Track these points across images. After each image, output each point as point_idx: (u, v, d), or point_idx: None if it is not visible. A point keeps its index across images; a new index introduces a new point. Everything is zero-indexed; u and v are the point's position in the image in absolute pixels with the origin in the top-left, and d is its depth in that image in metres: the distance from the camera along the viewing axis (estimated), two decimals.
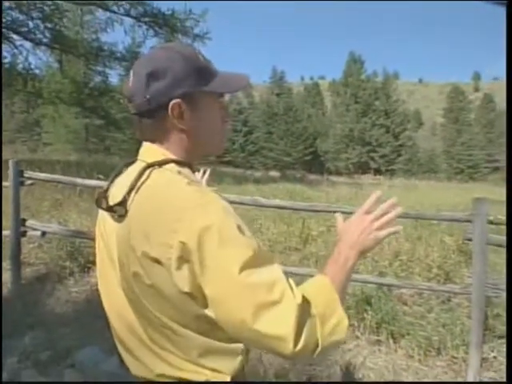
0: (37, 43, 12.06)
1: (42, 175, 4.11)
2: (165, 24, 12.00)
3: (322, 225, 5.65)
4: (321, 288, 0.79)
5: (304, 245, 5.18)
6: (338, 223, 0.93)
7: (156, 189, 0.80)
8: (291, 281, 0.76)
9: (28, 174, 3.93)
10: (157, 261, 0.74)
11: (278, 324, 0.69)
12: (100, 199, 0.86)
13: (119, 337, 0.92)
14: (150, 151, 0.87)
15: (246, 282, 0.70)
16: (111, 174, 0.92)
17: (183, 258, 0.72)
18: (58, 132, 25.54)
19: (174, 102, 0.82)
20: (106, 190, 0.87)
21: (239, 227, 0.75)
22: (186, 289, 0.73)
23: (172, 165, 0.85)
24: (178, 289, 0.74)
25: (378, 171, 41.07)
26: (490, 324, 3.09)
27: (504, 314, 3.23)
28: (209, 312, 0.75)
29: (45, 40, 12.05)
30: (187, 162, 0.89)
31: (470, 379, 2.67)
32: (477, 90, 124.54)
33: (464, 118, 56.17)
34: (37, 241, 4.48)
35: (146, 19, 12.10)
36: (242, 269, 0.70)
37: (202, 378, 0.83)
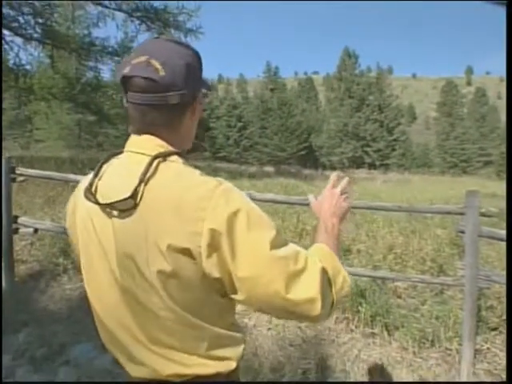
0: (28, 39, 11.89)
1: (34, 172, 4.07)
2: (157, 19, 11.88)
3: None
4: (322, 254, 0.87)
5: (299, 239, 5.18)
6: (310, 202, 1.07)
7: (169, 181, 0.79)
8: (305, 250, 0.84)
9: (20, 170, 3.89)
10: (185, 251, 0.75)
11: (308, 288, 0.77)
12: (88, 194, 0.83)
13: (113, 338, 0.89)
14: (144, 142, 0.85)
15: (276, 257, 0.75)
16: (96, 167, 0.88)
17: (213, 245, 0.74)
18: (50, 128, 25.31)
19: (200, 95, 0.89)
20: (92, 185, 0.85)
21: (259, 209, 0.80)
22: (217, 274, 0.76)
23: (176, 157, 0.85)
24: (206, 276, 0.77)
25: (372, 166, 41.21)
26: (482, 316, 3.12)
27: (497, 305, 3.27)
28: (237, 296, 0.78)
29: (36, 35, 11.89)
30: (184, 155, 0.88)
31: (464, 371, 2.70)
32: (469, 84, 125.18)
33: (457, 112, 56.44)
34: (29, 238, 4.45)
35: (138, 14, 11.97)
36: (272, 246, 0.75)
37: (211, 371, 0.84)
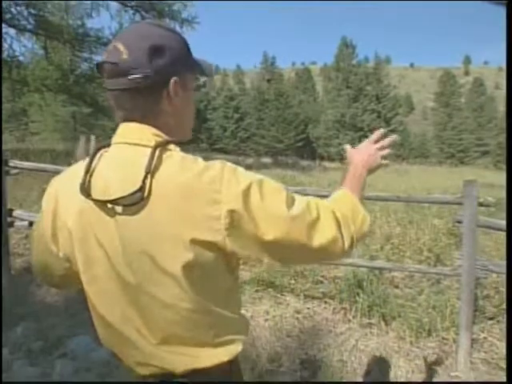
0: (21, 30, 11.76)
1: (28, 164, 4.03)
2: (152, 8, 11.76)
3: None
4: (345, 197, 0.93)
5: None
6: (347, 150, 1.09)
7: (175, 170, 0.77)
8: (311, 197, 0.88)
9: (13, 163, 3.84)
10: (207, 240, 0.75)
11: (327, 231, 0.82)
12: (84, 193, 0.79)
13: (116, 339, 0.87)
14: (137, 132, 0.82)
15: (293, 215, 0.79)
16: (86, 163, 0.84)
17: (234, 225, 0.75)
18: (45, 121, 25.14)
19: (174, 79, 0.82)
20: (85, 181, 0.80)
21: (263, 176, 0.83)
22: (243, 251, 0.79)
23: (173, 146, 0.83)
24: (226, 260, 0.81)
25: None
26: (479, 305, 3.13)
27: (494, 295, 3.28)
28: (266, 259, 0.83)
29: (29, 26, 11.77)
30: (178, 143, 0.86)
31: (461, 360, 2.71)
32: (467, 74, 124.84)
33: (455, 102, 56.28)
34: (24, 231, 4.42)
35: (133, 3, 11.84)
36: (286, 207, 0.79)
37: (217, 361, 0.84)
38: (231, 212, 0.75)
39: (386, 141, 1.08)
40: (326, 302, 3.45)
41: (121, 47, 0.79)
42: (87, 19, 12.95)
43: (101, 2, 12.41)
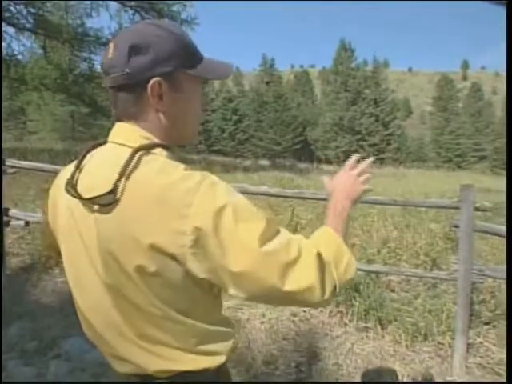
0: (20, 28, 11.74)
1: (25, 163, 4.01)
2: (151, 8, 11.77)
3: (310, 213, 5.66)
4: (327, 237, 0.86)
5: (293, 233, 5.10)
6: (325, 182, 1.03)
7: (151, 176, 0.74)
8: (300, 236, 0.81)
9: (10, 162, 3.83)
10: (169, 252, 0.71)
11: (304, 277, 0.74)
12: (69, 188, 0.79)
13: (99, 334, 0.87)
14: (127, 133, 0.82)
15: (267, 251, 0.72)
16: (77, 159, 0.84)
17: (199, 244, 0.70)
18: (43, 120, 25.09)
19: (154, 79, 0.78)
20: (73, 177, 0.81)
21: (247, 201, 0.76)
22: (202, 275, 0.73)
23: (160, 149, 0.80)
24: (189, 276, 0.74)
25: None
26: (475, 310, 3.13)
27: (490, 300, 3.29)
28: (231, 291, 0.75)
29: (28, 25, 11.74)
30: (172, 148, 0.84)
31: (456, 365, 2.71)
32: (465, 78, 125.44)
33: (452, 106, 56.50)
34: (21, 231, 4.40)
35: (132, 3, 11.84)
36: (261, 240, 0.72)
37: (200, 367, 0.83)
38: (198, 230, 0.69)
39: (364, 165, 1.02)
40: None
41: (111, 46, 0.80)
42: (87, 19, 12.93)
43: (100, 2, 12.40)
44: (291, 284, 0.73)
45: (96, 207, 0.77)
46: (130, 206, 0.74)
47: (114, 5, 12.19)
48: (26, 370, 2.60)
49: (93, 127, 26.77)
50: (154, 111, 0.81)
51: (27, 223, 3.92)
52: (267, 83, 53.00)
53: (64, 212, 0.84)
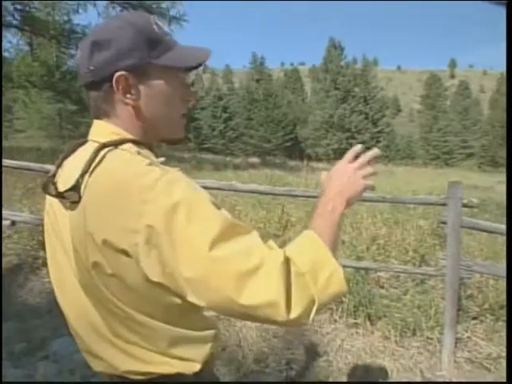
0: (6, 25, 11.53)
1: (11, 162, 3.93)
2: (140, 5, 11.64)
3: (301, 210, 5.67)
4: (308, 244, 0.73)
5: (283, 231, 5.18)
6: (321, 177, 0.88)
7: (113, 171, 0.72)
8: (272, 242, 0.71)
9: None
10: (121, 249, 0.69)
11: (263, 290, 0.64)
12: (48, 185, 0.78)
13: (76, 331, 0.87)
14: (100, 129, 0.81)
15: (218, 256, 0.64)
16: (59, 158, 0.84)
17: (152, 243, 0.66)
18: (30, 118, 24.67)
19: (118, 73, 0.76)
20: (54, 175, 0.81)
21: (209, 200, 0.70)
22: (156, 278, 0.68)
23: (129, 144, 0.78)
24: (146, 278, 0.69)
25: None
26: (463, 305, 3.17)
27: (477, 295, 3.33)
28: (189, 297, 0.68)
29: (14, 22, 11.54)
30: (146, 143, 0.82)
31: (445, 359, 2.74)
32: (453, 77, 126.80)
33: (440, 104, 57.13)
34: (7, 230, 4.32)
35: (120, 0, 11.70)
36: (213, 243, 0.64)
37: (173, 371, 0.80)
38: (150, 228, 0.65)
39: (368, 156, 0.87)
40: None
41: (80, 46, 0.81)
42: (74, 15, 12.77)
43: None
44: (248, 297, 0.64)
45: (68, 204, 0.77)
46: (89, 202, 0.73)
47: (101, 1, 12.05)
48: (15, 371, 2.57)
49: (81, 125, 26.36)
50: (125, 106, 0.79)
51: (13, 223, 3.87)
52: (257, 81, 53.03)
53: (48, 209, 0.86)
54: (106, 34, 0.77)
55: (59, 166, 0.82)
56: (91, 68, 0.77)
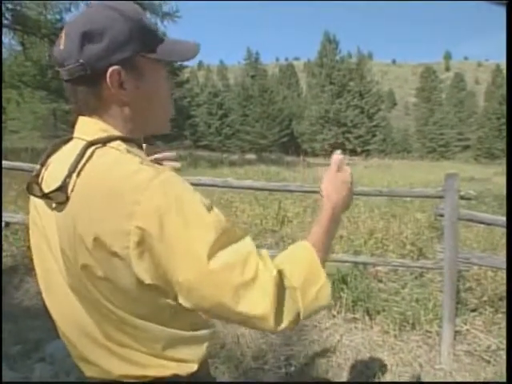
0: None
1: (5, 163, 3.89)
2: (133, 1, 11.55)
3: (297, 206, 5.66)
4: (302, 255, 0.75)
5: (280, 226, 5.17)
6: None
7: (102, 170, 0.69)
8: (265, 252, 0.71)
9: None
10: (111, 251, 0.66)
11: (258, 303, 0.66)
12: (31, 185, 0.75)
13: (65, 335, 0.84)
14: (87, 126, 0.77)
15: (217, 265, 0.65)
16: (42, 156, 0.80)
17: (143, 246, 0.64)
18: (24, 118, 24.55)
19: (112, 68, 0.72)
20: (38, 174, 0.77)
21: (203, 203, 0.68)
22: (149, 280, 0.67)
23: (118, 142, 0.74)
24: (138, 280, 0.68)
25: (353, 152, 41.45)
26: (461, 297, 3.17)
27: (476, 287, 3.32)
28: (180, 300, 0.68)
29: (6, 21, 11.44)
30: (135, 139, 0.79)
31: (444, 352, 2.73)
32: (448, 69, 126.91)
33: (436, 97, 57.25)
34: (2, 232, 4.29)
35: None
36: (212, 251, 0.65)
37: (169, 373, 0.78)
38: (141, 230, 0.64)
39: (336, 161, 0.90)
40: None
41: (62, 36, 0.73)
42: (66, 14, 12.67)
43: None
44: (244, 306, 0.66)
45: (54, 205, 0.73)
46: (78, 202, 0.70)
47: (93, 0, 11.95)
48: (11, 374, 2.54)
49: (75, 125, 26.27)
50: (117, 102, 0.76)
51: (8, 224, 3.83)
52: (252, 77, 52.86)
53: (32, 210, 0.82)
54: (97, 24, 0.71)
55: (43, 164, 0.79)
56: (81, 61, 0.71)
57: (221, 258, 0.65)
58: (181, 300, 0.68)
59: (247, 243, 0.69)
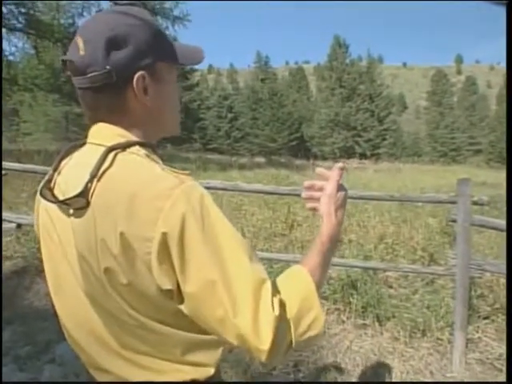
0: (11, 29, 11.63)
1: (17, 165, 3.96)
2: (143, 6, 11.67)
3: (307, 210, 5.63)
4: (298, 282, 0.74)
5: (289, 230, 5.14)
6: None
7: (125, 176, 0.69)
8: (269, 285, 0.68)
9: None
10: (135, 255, 0.67)
11: (258, 336, 0.65)
12: (45, 191, 0.75)
13: (75, 341, 0.83)
14: (104, 132, 0.77)
15: (223, 286, 0.65)
16: (55, 161, 0.80)
17: (164, 252, 0.65)
18: (37, 121, 24.93)
19: (139, 74, 0.74)
20: (51, 180, 0.77)
21: (222, 215, 0.69)
22: (167, 286, 0.67)
23: (137, 147, 0.75)
24: (158, 285, 0.68)
25: (363, 155, 41.25)
26: (474, 304, 3.11)
27: (488, 294, 3.26)
28: (184, 309, 0.69)
29: (19, 25, 11.65)
30: (152, 144, 0.79)
31: (456, 360, 2.69)
32: (459, 72, 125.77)
33: (447, 101, 56.65)
34: (13, 233, 4.34)
35: (124, 2, 11.74)
36: (221, 268, 0.65)
37: (187, 378, 0.77)
38: (164, 235, 0.64)
39: (335, 175, 0.87)
40: None
41: (79, 42, 0.73)
42: (78, 18, 12.86)
43: (92, 2, 12.34)
44: (237, 336, 0.65)
45: (71, 211, 0.73)
46: (100, 207, 0.69)
47: (105, 4, 12.13)
48: (20, 375, 2.56)
49: (87, 128, 26.54)
50: (140, 107, 0.77)
51: (19, 226, 3.87)
52: (262, 80, 52.89)
53: (43, 215, 0.81)
54: (119, 30, 0.72)
55: (55, 169, 0.79)
56: (108, 68, 0.71)
57: (229, 278, 0.65)
58: (184, 309, 0.70)
59: (256, 269, 0.68)
